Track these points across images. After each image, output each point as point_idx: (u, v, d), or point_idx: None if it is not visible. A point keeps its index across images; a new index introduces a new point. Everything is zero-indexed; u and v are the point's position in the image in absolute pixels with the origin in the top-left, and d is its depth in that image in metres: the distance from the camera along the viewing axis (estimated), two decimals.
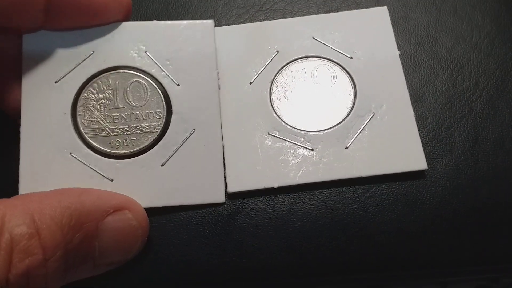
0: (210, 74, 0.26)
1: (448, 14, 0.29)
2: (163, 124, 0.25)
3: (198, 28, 0.27)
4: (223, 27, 0.28)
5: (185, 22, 0.27)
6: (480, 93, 0.27)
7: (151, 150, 0.25)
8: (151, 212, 0.24)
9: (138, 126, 0.25)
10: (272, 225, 0.24)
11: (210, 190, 0.25)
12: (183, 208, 0.25)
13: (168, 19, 0.28)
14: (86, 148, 0.24)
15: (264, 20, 0.29)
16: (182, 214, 0.25)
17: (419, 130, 0.26)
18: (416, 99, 0.27)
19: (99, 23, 0.25)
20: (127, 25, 0.26)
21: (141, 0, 0.29)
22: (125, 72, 0.26)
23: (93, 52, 0.25)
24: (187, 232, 0.24)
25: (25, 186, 0.23)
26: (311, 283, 0.25)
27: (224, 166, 0.25)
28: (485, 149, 0.26)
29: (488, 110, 0.27)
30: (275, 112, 0.26)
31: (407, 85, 0.26)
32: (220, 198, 0.25)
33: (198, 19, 0.28)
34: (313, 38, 0.28)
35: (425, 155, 0.25)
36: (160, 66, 0.26)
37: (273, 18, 0.29)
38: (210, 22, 0.27)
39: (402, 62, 0.27)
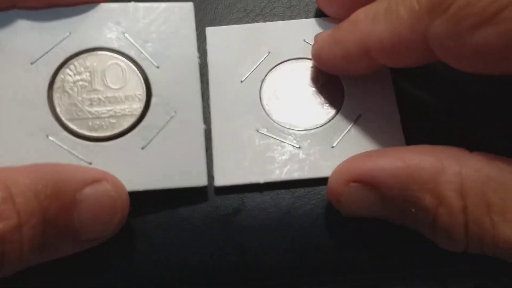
0: (190, 56, 0.26)
1: None
2: (143, 106, 0.25)
3: (177, 10, 0.27)
4: (216, 27, 0.28)
5: (163, 4, 0.27)
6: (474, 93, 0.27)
7: (131, 132, 0.24)
8: (150, 211, 0.24)
9: (117, 108, 0.25)
10: (272, 224, 0.24)
11: (191, 173, 0.24)
12: (178, 207, 0.24)
13: None
14: (63, 131, 0.24)
15: None
16: (182, 214, 0.24)
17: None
18: (402, 101, 0.26)
19: (74, 3, 0.25)
20: (104, 6, 0.26)
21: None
22: (103, 53, 0.25)
23: (70, 33, 0.25)
24: (187, 232, 0.24)
25: None
26: (311, 283, 0.24)
27: (212, 162, 0.25)
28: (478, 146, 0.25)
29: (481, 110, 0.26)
30: (265, 110, 0.26)
31: (393, 88, 0.27)
32: (202, 181, 0.24)
33: (200, 22, 0.28)
34: (304, 41, 0.28)
35: None
36: (139, 48, 0.26)
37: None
38: (189, 4, 0.27)
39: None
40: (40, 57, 0.24)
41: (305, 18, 0.29)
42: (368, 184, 0.21)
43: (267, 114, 0.26)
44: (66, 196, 0.20)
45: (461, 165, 0.19)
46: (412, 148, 0.22)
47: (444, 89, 0.27)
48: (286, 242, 0.24)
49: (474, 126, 0.26)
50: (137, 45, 0.26)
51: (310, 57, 0.27)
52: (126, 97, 0.25)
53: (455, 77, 0.27)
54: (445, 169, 0.19)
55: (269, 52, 0.28)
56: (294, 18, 0.29)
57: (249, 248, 0.24)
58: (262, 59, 0.27)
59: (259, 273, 0.24)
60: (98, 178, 0.22)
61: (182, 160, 0.24)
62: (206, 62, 0.27)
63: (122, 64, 0.25)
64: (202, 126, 0.25)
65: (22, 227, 0.18)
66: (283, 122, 0.26)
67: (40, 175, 0.20)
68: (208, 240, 0.24)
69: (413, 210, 0.20)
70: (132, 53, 0.25)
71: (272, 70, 0.27)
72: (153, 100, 0.25)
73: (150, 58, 0.25)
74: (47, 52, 0.24)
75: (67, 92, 0.24)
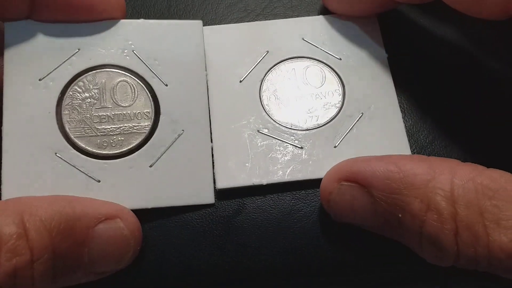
0: (198, 75, 0.26)
1: (438, 17, 0.29)
2: (151, 124, 0.25)
3: (187, 28, 0.27)
4: (214, 26, 0.28)
5: (173, 21, 0.27)
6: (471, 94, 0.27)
7: (139, 150, 0.24)
8: (150, 213, 0.24)
9: (125, 126, 0.24)
10: (273, 225, 0.24)
11: (199, 191, 0.24)
12: (179, 209, 0.24)
13: None
14: (72, 149, 0.23)
15: None
16: (182, 214, 0.24)
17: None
18: (403, 100, 0.27)
19: (89, 20, 0.25)
20: (114, 23, 0.26)
21: (144, 2, 0.29)
22: (112, 70, 0.25)
23: (79, 49, 0.25)
24: (188, 232, 0.24)
25: (8, 187, 0.22)
26: (311, 283, 0.24)
27: (213, 164, 0.25)
28: (474, 147, 0.26)
29: (478, 109, 0.27)
30: (265, 110, 0.26)
31: (394, 86, 0.27)
32: (209, 199, 0.24)
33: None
34: (302, 39, 0.28)
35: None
36: (148, 65, 0.25)
37: None
38: (198, 22, 0.27)
39: (390, 64, 0.27)
40: (48, 73, 0.24)
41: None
42: (359, 183, 0.21)
43: (268, 115, 0.26)
44: (78, 232, 0.20)
45: (453, 174, 0.20)
46: (407, 156, 0.23)
47: (445, 86, 0.27)
48: (286, 243, 0.24)
49: (474, 125, 0.26)
50: (146, 63, 0.25)
51: (309, 55, 0.27)
52: (135, 115, 0.25)
53: (458, 76, 0.27)
54: (436, 176, 0.20)
55: (267, 51, 0.27)
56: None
57: (249, 249, 0.24)
58: (261, 58, 0.27)
59: (260, 274, 0.24)
60: (112, 215, 0.22)
61: (189, 178, 0.24)
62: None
63: (131, 81, 0.25)
64: (209, 145, 0.25)
65: (34, 262, 0.19)
66: (284, 122, 0.26)
67: (56, 209, 0.20)
68: (209, 241, 0.24)
69: (400, 215, 0.20)
70: (141, 71, 0.25)
71: (271, 69, 0.27)
72: (162, 118, 0.25)
73: (159, 76, 0.25)
74: (55, 68, 0.24)
75: (75, 109, 0.24)
